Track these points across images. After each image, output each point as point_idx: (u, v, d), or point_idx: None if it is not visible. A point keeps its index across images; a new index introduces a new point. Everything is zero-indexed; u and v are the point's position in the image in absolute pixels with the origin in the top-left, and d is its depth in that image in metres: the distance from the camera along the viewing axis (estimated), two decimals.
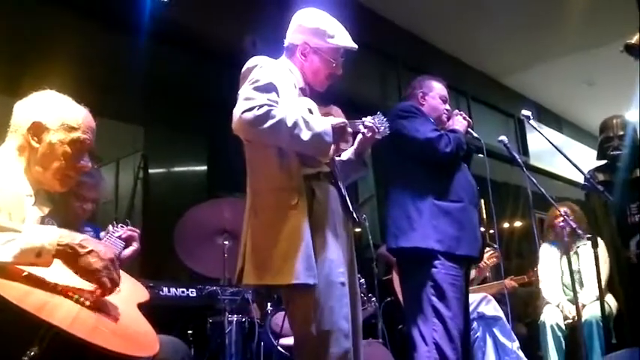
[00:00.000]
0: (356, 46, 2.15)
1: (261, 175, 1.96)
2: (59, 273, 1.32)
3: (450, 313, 2.46)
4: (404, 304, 2.71)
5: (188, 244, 2.89)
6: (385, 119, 2.12)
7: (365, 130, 2.07)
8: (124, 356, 1.19)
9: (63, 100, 1.64)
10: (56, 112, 1.60)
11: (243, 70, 1.99)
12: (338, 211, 1.99)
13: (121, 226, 1.98)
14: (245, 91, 1.89)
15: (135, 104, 4.52)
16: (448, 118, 2.84)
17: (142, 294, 1.62)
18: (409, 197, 2.62)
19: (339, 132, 1.93)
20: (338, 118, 2.00)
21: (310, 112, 2.00)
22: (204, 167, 4.93)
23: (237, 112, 1.85)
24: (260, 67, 1.96)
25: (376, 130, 2.08)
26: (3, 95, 3.42)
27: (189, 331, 2.87)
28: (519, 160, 3.09)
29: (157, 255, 3.78)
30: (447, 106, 2.89)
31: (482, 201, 4.38)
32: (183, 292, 2.61)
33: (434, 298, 2.48)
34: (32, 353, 1.10)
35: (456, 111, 2.88)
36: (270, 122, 1.81)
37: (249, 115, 1.81)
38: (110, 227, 1.97)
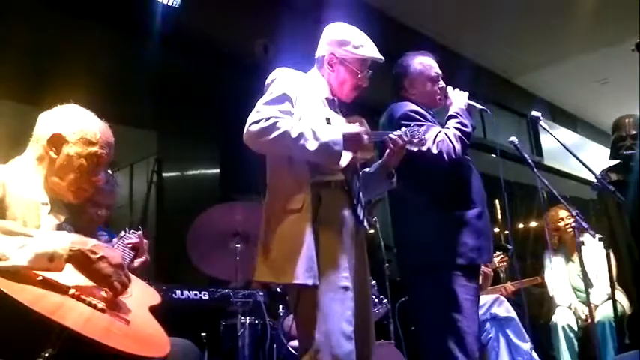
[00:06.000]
0: (382, 58, 2.18)
1: (273, 181, 2.05)
2: (72, 277, 1.36)
3: (469, 329, 2.38)
4: (417, 315, 2.63)
5: (201, 247, 2.92)
6: (422, 131, 2.12)
7: (390, 142, 2.10)
8: (135, 357, 1.23)
9: (84, 115, 1.70)
10: (76, 125, 1.65)
11: (266, 83, 2.09)
12: (347, 218, 2.03)
13: (133, 232, 2.02)
14: (258, 104, 1.99)
15: (148, 109, 4.56)
16: (445, 97, 2.64)
17: (154, 297, 1.66)
18: (422, 207, 2.50)
19: (351, 141, 1.97)
20: (352, 126, 2.03)
21: (328, 121, 2.04)
22: (217, 170, 4.97)
23: (246, 125, 1.94)
24: (276, 80, 2.06)
25: (404, 143, 2.10)
26: (17, 103, 3.49)
27: (203, 334, 2.90)
28: (529, 160, 3.07)
29: (171, 258, 3.82)
30: (440, 84, 2.64)
31: (497, 202, 4.37)
32: (195, 294, 2.65)
33: (452, 314, 2.38)
34: (47, 355, 1.14)
35: (449, 87, 2.66)
36: (275, 134, 1.89)
37: (255, 128, 1.91)
38: (122, 233, 2.02)
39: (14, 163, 1.61)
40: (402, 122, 2.37)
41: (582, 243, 3.44)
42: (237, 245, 2.95)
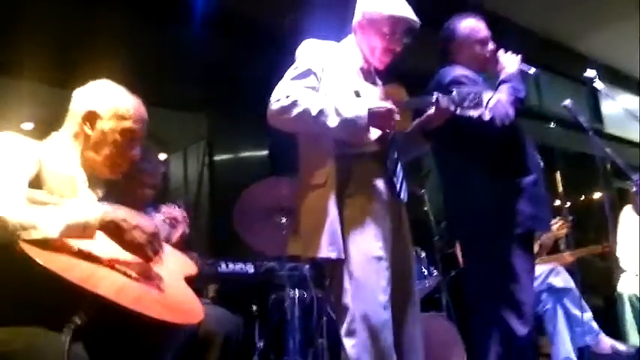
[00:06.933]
0: (417, 20, 2.10)
1: (302, 156, 2.05)
2: (107, 247, 1.39)
3: (525, 299, 2.32)
4: (469, 286, 2.55)
5: (247, 221, 2.94)
6: (473, 93, 2.04)
7: (436, 106, 2.04)
8: (167, 324, 1.24)
9: (116, 90, 1.72)
10: (109, 101, 1.67)
11: (295, 56, 2.07)
12: (380, 190, 2.00)
13: (173, 206, 2.07)
14: (282, 80, 1.98)
15: (197, 93, 4.64)
16: (494, 61, 2.53)
17: (190, 267, 1.69)
18: (475, 175, 2.42)
19: (378, 116, 1.91)
20: (381, 102, 1.96)
21: (357, 94, 1.99)
22: (266, 152, 5.08)
23: (269, 102, 1.94)
24: (303, 53, 2.04)
25: (454, 107, 2.03)
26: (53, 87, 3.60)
27: (254, 307, 2.95)
28: (585, 123, 2.93)
29: (225, 238, 3.89)
30: (489, 47, 2.53)
31: (558, 173, 4.22)
32: (241, 268, 2.68)
33: (508, 284, 2.32)
34: (78, 321, 1.17)
35: (500, 51, 2.53)
36: (295, 111, 1.88)
37: (276, 106, 1.90)
38: (163, 207, 2.06)
39: (51, 140, 1.65)
40: (452, 87, 2.25)
41: None
42: (282, 220, 2.96)
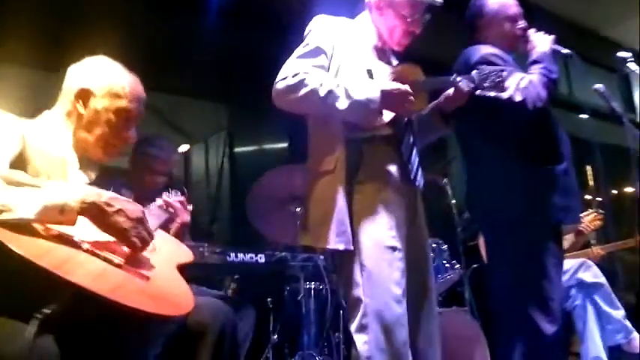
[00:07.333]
0: (439, 0, 1.98)
1: (311, 141, 1.95)
2: (92, 232, 1.29)
3: (553, 295, 2.19)
4: (494, 279, 2.40)
5: (261, 211, 2.87)
6: (495, 72, 1.90)
7: (455, 86, 1.91)
8: (147, 314, 1.13)
9: (112, 67, 1.63)
10: (103, 78, 1.58)
11: (305, 33, 1.96)
12: (393, 176, 1.87)
13: (176, 193, 1.99)
14: (290, 58, 1.87)
15: (218, 82, 4.60)
16: (525, 40, 2.38)
17: (184, 255, 1.58)
18: (503, 161, 2.27)
19: (391, 98, 1.79)
20: (394, 83, 1.83)
21: (370, 74, 1.88)
22: (286, 144, 5.03)
23: (275, 81, 1.83)
24: (312, 31, 1.93)
25: (475, 87, 1.90)
26: None
27: (269, 299, 2.87)
28: (618, 109, 2.75)
29: (246, 230, 3.84)
30: (520, 25, 2.38)
31: (589, 167, 4.06)
32: (251, 257, 2.60)
33: (535, 278, 2.19)
34: (48, 311, 1.07)
35: (531, 30, 2.40)
36: (302, 91, 1.77)
37: (282, 85, 1.80)
38: (165, 194, 1.98)
39: (41, 118, 1.57)
40: (479, 67, 2.05)
41: None
42: (297, 209, 2.87)
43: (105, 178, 2.76)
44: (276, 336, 2.80)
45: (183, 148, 5.81)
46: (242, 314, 2.65)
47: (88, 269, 1.16)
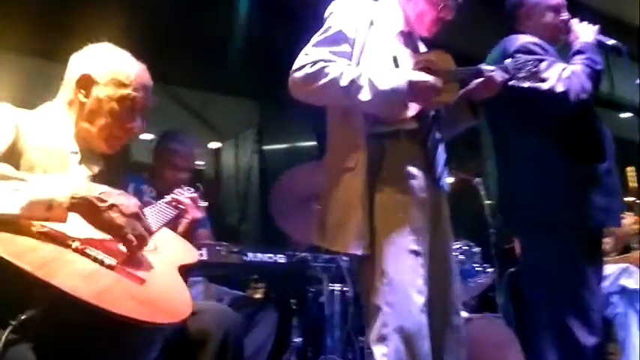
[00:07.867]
0: None
1: (329, 135, 1.84)
2: (87, 230, 1.21)
3: (592, 303, 2.08)
4: (529, 285, 2.32)
5: (284, 209, 2.78)
6: (532, 61, 1.78)
7: (487, 76, 1.79)
8: (135, 321, 1.03)
9: (117, 54, 1.55)
10: (107, 65, 1.50)
11: (324, 17, 1.83)
12: (416, 175, 1.75)
13: (188, 189, 1.91)
14: (308, 44, 1.75)
15: (249, 79, 4.56)
16: (567, 31, 2.27)
17: (188, 256, 1.48)
18: (542, 158, 2.16)
19: (418, 89, 1.67)
20: (422, 74, 1.71)
21: (395, 62, 1.76)
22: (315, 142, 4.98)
23: (292, 70, 1.72)
24: (333, 14, 1.80)
25: (508, 77, 1.78)
26: None
27: (293, 300, 2.80)
28: None
29: (275, 229, 3.79)
30: (562, 15, 2.27)
31: (631, 168, 3.88)
32: (270, 257, 2.51)
33: (573, 285, 2.09)
34: (24, 317, 0.98)
35: (574, 20, 2.28)
36: (322, 81, 1.66)
37: (299, 74, 1.69)
38: (176, 191, 1.90)
39: (42, 108, 1.50)
40: (516, 56, 1.95)
41: None
42: (319, 207, 2.77)
43: (126, 172, 2.75)
44: (300, 339, 2.72)
45: (214, 145, 5.82)
46: (262, 316, 2.58)
47: (75, 270, 1.07)
